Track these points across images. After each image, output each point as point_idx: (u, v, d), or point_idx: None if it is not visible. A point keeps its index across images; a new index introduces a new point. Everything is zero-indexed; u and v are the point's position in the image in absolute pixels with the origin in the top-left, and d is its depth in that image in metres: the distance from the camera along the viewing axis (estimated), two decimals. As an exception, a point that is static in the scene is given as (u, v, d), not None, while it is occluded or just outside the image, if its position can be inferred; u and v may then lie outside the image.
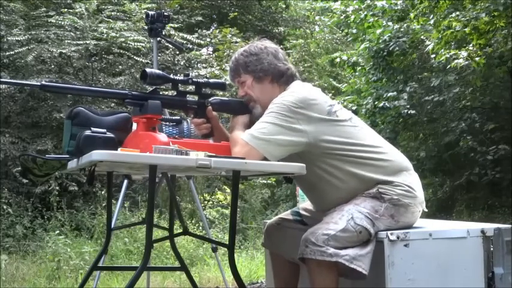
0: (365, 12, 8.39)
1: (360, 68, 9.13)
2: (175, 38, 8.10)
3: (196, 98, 2.42)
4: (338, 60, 9.25)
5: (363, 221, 2.22)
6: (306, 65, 11.70)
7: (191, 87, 2.45)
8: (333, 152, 2.30)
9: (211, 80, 2.46)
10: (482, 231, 2.29)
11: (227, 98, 2.58)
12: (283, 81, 2.44)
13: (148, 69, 2.27)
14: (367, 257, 2.19)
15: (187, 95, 2.42)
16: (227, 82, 2.85)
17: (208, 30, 9.88)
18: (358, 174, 2.31)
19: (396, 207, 2.29)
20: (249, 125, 2.37)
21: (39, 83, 2.20)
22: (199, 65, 8.88)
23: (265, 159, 2.21)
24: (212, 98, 2.44)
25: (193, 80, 2.39)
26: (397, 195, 2.29)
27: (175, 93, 2.40)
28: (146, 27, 3.83)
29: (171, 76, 2.35)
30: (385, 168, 2.33)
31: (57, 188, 6.64)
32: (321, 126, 2.28)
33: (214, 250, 4.13)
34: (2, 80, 2.53)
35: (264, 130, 2.23)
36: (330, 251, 2.15)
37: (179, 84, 2.37)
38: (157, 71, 2.34)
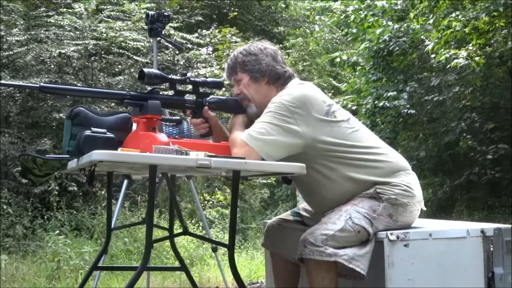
0: (365, 12, 8.40)
1: (360, 67, 9.14)
2: (175, 37, 8.09)
3: (194, 97, 2.42)
4: (338, 60, 9.27)
5: (361, 220, 2.21)
6: (305, 64, 11.71)
7: (189, 87, 2.45)
8: (329, 154, 2.29)
9: (209, 79, 2.46)
10: (482, 231, 2.29)
11: (225, 97, 2.57)
12: (280, 83, 2.43)
13: (146, 69, 2.27)
14: (366, 257, 2.18)
15: (186, 95, 2.41)
16: (226, 82, 2.85)
17: (208, 30, 9.87)
18: (355, 177, 2.30)
19: (394, 206, 2.29)
20: (249, 124, 2.37)
21: (38, 85, 2.19)
22: (198, 64, 8.87)
23: (263, 159, 2.21)
24: (210, 97, 2.44)
25: (191, 79, 2.39)
26: (395, 195, 2.29)
27: (173, 92, 2.40)
28: (146, 27, 3.83)
29: (169, 76, 2.35)
30: (382, 169, 2.32)
31: (57, 188, 6.63)
32: (318, 126, 2.27)
33: (214, 250, 4.13)
34: (1, 82, 2.53)
35: (262, 130, 2.22)
36: (329, 251, 2.15)
37: (177, 84, 2.37)
38: (155, 71, 2.34)
